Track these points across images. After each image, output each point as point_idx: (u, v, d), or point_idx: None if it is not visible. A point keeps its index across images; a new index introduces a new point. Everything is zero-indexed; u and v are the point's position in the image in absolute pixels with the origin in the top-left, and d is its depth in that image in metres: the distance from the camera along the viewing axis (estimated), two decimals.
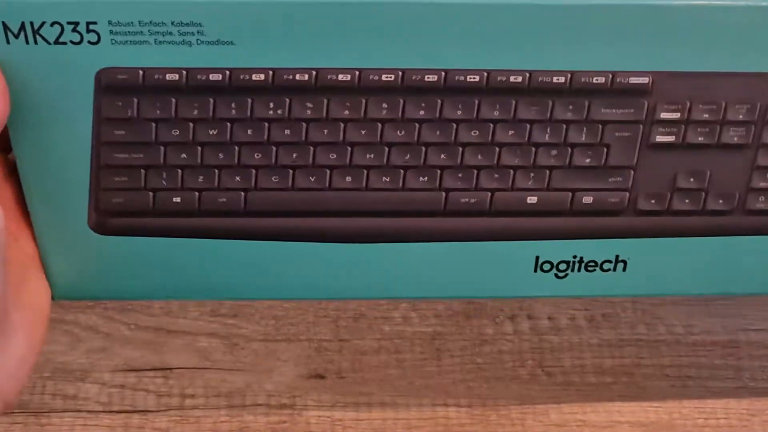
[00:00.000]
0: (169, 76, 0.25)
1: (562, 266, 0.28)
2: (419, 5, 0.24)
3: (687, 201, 0.27)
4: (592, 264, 0.28)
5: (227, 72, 0.25)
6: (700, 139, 0.27)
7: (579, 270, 0.28)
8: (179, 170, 0.26)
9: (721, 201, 0.27)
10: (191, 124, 0.26)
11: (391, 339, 0.36)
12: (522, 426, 0.34)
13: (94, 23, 0.23)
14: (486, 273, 0.28)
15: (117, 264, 0.27)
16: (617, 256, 0.28)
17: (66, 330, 0.36)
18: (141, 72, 0.24)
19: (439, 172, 0.26)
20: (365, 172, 0.26)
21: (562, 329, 0.36)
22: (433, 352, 0.35)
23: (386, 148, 0.26)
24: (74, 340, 0.35)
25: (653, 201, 0.27)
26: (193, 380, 0.35)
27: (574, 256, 0.28)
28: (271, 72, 0.25)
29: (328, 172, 0.26)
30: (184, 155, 0.26)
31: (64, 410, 0.34)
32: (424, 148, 0.26)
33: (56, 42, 0.24)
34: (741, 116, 0.27)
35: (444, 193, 0.27)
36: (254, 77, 0.25)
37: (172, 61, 0.24)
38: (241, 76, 0.25)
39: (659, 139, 0.27)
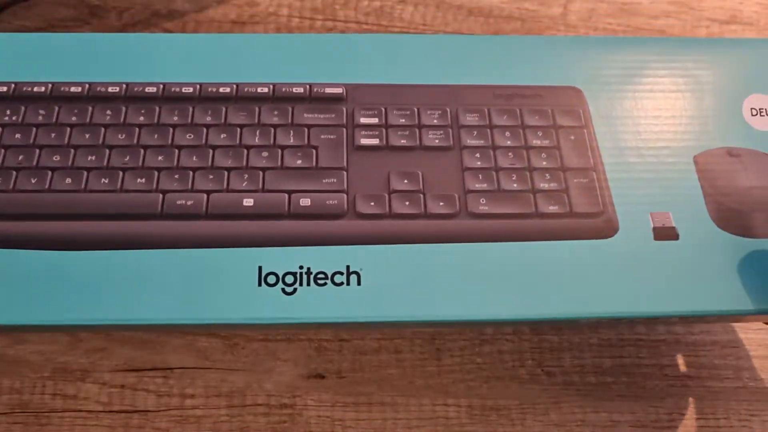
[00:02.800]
0: None
1: (289, 278, 0.26)
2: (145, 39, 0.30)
3: (407, 203, 0.27)
4: (322, 276, 0.26)
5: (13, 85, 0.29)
6: (402, 141, 0.29)
7: (308, 283, 0.26)
8: None
9: (441, 203, 0.28)
10: None
11: (391, 339, 0.36)
12: (522, 426, 0.34)
13: None
14: (207, 286, 0.25)
15: None
16: (348, 267, 0.26)
17: None
18: None
19: (156, 173, 0.27)
20: (85, 173, 0.27)
21: (562, 329, 0.36)
22: (433, 352, 0.35)
23: (107, 150, 0.28)
24: (74, 340, 0.35)
25: (372, 203, 0.27)
26: (193, 380, 0.35)
27: (301, 267, 0.26)
28: (13, 85, 0.29)
29: (49, 173, 0.27)
30: None
31: (63, 410, 0.34)
32: (143, 151, 0.28)
33: None
34: (435, 121, 0.30)
35: (161, 195, 0.27)
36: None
37: None
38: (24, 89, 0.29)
39: (364, 141, 0.29)
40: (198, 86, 0.29)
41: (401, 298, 0.26)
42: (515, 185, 0.28)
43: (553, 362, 0.35)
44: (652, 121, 0.30)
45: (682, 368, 0.35)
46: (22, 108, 0.29)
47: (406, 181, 0.28)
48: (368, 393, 0.35)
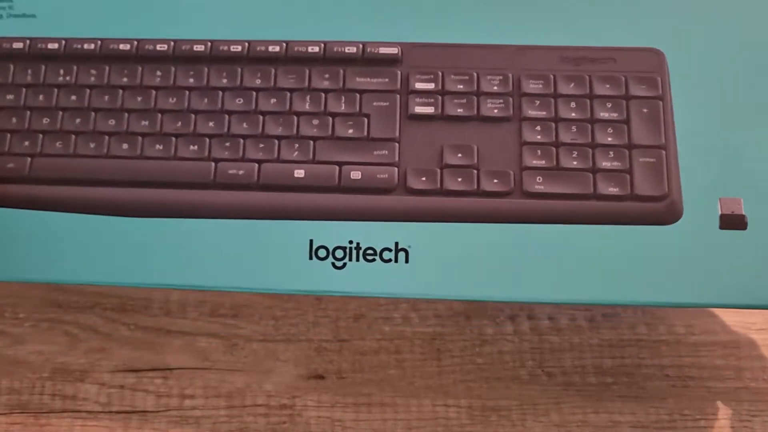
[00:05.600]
0: None
1: (339, 253, 0.26)
2: None
3: (459, 180, 0.27)
4: (371, 252, 0.26)
5: (27, 41, 0.27)
6: (459, 110, 0.27)
7: (357, 259, 0.26)
8: None
9: (495, 180, 0.26)
10: None
11: (391, 339, 0.36)
12: (522, 426, 0.34)
13: None
14: (259, 257, 0.26)
15: None
16: (397, 244, 0.26)
17: (65, 330, 0.35)
18: None
19: (208, 140, 0.27)
20: (140, 139, 0.27)
21: (562, 329, 0.36)
22: (433, 352, 0.35)
23: (159, 115, 0.28)
24: (73, 340, 0.35)
25: (424, 178, 0.27)
26: (192, 381, 0.35)
27: (350, 242, 0.26)
28: (63, 42, 0.27)
29: (106, 138, 0.27)
30: None
31: (63, 410, 0.34)
32: (194, 116, 0.27)
33: None
34: (495, 88, 0.28)
35: (213, 164, 0.27)
36: (49, 46, 0.27)
37: None
38: (39, 45, 0.27)
39: (418, 110, 0.28)
40: (246, 45, 0.28)
41: (448, 278, 0.26)
42: (575, 163, 0.26)
43: (553, 363, 0.35)
44: (739, 95, 0.27)
45: (683, 369, 0.35)
46: (74, 68, 0.28)
47: (460, 155, 0.27)
48: (368, 394, 0.35)
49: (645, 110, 0.27)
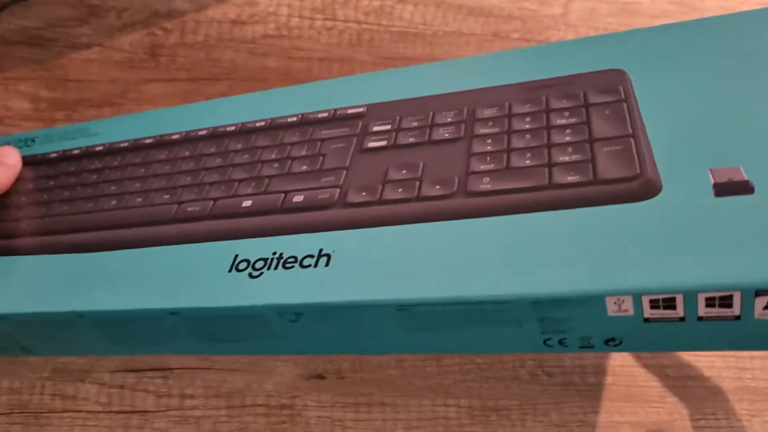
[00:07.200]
0: None
1: (259, 264, 0.25)
2: None
3: (400, 190, 0.26)
4: (292, 260, 0.25)
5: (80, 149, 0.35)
6: (411, 140, 0.28)
7: (276, 267, 0.25)
8: None
9: (438, 187, 0.25)
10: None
11: None
12: (522, 427, 0.34)
13: None
14: (187, 276, 0.26)
15: None
16: (320, 250, 0.25)
17: None
18: None
19: (181, 190, 0.30)
20: (130, 196, 0.31)
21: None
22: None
23: (153, 179, 0.32)
24: None
25: (364, 193, 0.26)
26: (192, 380, 0.35)
27: (274, 253, 0.25)
28: (85, 148, 0.35)
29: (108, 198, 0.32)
30: None
31: (63, 410, 0.34)
32: (177, 176, 0.31)
33: None
34: (450, 119, 0.28)
35: (177, 205, 0.29)
36: (74, 152, 0.35)
37: None
38: (76, 151, 0.35)
39: (371, 144, 0.29)
40: (239, 125, 0.32)
41: (368, 280, 0.23)
42: (528, 162, 0.25)
43: (553, 363, 0.35)
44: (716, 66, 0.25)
45: (683, 369, 0.35)
46: (90, 161, 0.34)
47: (404, 171, 0.27)
48: (368, 393, 0.35)
49: (607, 111, 0.26)
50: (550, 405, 0.34)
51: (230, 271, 0.25)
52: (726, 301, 0.20)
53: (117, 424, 0.34)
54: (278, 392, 0.35)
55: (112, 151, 0.34)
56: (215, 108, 0.34)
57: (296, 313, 0.24)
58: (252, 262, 0.25)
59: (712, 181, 0.22)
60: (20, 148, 0.35)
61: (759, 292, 0.20)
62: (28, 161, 0.35)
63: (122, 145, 0.34)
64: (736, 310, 0.20)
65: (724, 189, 0.22)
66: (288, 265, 0.25)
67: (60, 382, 0.35)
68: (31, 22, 0.44)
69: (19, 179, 0.34)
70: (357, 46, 0.44)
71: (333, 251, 0.25)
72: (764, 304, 0.20)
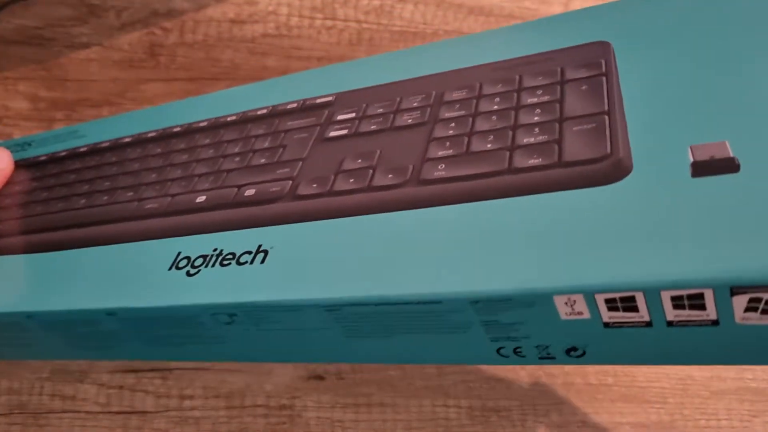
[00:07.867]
0: None
1: (198, 261, 0.24)
2: None
3: (351, 180, 0.24)
4: (230, 257, 0.24)
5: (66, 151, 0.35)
6: (372, 127, 0.27)
7: (213, 265, 0.24)
8: None
9: (390, 176, 0.24)
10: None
11: None
12: (522, 427, 0.34)
13: None
14: (127, 275, 0.25)
15: None
16: (259, 246, 0.24)
17: None
18: None
19: (144, 187, 0.29)
20: (97, 194, 0.31)
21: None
22: None
23: (118, 177, 0.31)
24: None
25: (315, 185, 0.25)
26: (192, 381, 0.35)
27: (215, 249, 0.24)
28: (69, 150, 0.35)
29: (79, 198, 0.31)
30: None
31: (62, 411, 0.34)
32: (145, 172, 0.31)
33: None
34: (416, 103, 0.27)
35: (137, 201, 0.29)
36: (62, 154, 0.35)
37: None
38: (63, 153, 0.34)
39: (332, 134, 0.27)
40: (212, 120, 0.32)
41: (297, 278, 0.22)
42: (489, 146, 0.23)
43: None
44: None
45: (683, 369, 0.35)
46: (72, 161, 0.34)
47: (360, 160, 0.25)
48: (368, 394, 0.34)
49: (583, 87, 0.24)
50: (550, 405, 0.34)
51: (170, 269, 0.24)
52: (697, 302, 0.17)
53: (116, 424, 0.34)
54: (278, 393, 0.34)
55: (94, 151, 0.34)
56: (215, 101, 0.33)
57: (229, 314, 0.23)
58: (192, 259, 0.24)
59: (691, 160, 0.20)
60: (17, 151, 0.36)
61: (735, 290, 0.17)
62: (20, 165, 0.35)
63: (104, 145, 0.34)
64: (711, 312, 0.17)
65: (703, 168, 0.19)
66: (225, 263, 0.24)
67: (59, 382, 0.35)
68: (31, 22, 0.44)
69: (9, 182, 0.34)
70: (357, 46, 0.44)
71: (271, 247, 0.23)
72: (745, 305, 0.17)
